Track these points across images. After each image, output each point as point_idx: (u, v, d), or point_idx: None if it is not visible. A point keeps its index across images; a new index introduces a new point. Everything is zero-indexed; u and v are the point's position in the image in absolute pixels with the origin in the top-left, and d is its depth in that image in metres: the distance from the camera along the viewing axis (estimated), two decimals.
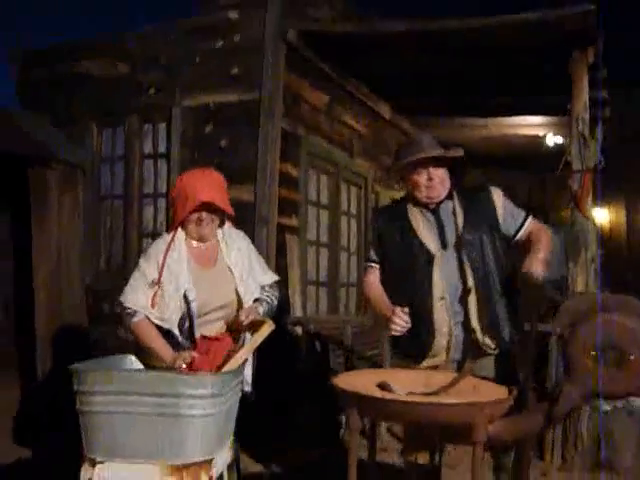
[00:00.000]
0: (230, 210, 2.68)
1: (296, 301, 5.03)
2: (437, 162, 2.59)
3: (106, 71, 5.56)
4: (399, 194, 2.94)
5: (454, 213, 2.62)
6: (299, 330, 4.88)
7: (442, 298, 2.54)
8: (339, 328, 5.19)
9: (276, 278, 2.92)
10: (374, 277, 2.73)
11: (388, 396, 1.98)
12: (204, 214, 2.62)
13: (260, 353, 2.72)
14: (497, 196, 2.67)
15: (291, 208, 5.24)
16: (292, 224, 5.24)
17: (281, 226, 5.03)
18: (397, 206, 2.76)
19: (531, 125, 7.01)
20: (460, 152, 2.61)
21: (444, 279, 2.55)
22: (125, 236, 5.53)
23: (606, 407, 4.29)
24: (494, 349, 2.56)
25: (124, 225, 5.54)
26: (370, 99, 6.43)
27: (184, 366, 2.43)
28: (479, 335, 2.53)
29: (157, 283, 2.58)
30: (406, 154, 2.60)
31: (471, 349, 2.54)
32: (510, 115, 6.76)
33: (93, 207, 5.61)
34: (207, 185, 2.60)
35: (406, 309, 2.44)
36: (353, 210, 6.47)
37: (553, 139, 7.05)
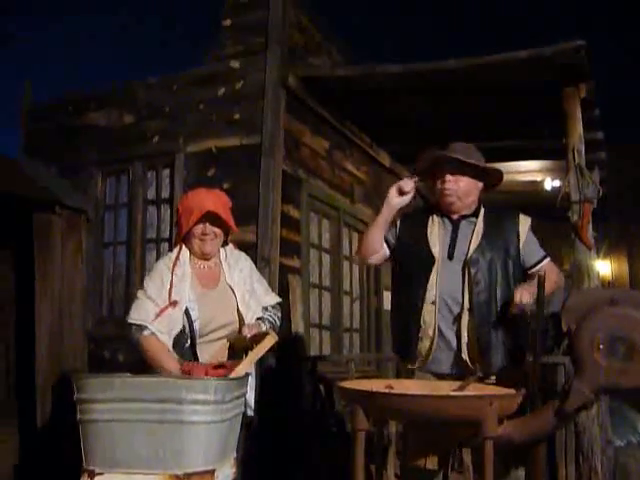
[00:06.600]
0: (234, 226, 2.71)
1: (298, 341, 4.97)
2: (460, 170, 2.56)
3: (112, 121, 5.70)
4: None
5: (473, 232, 2.60)
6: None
7: (433, 303, 2.52)
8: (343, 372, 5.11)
9: (278, 299, 2.92)
10: None
11: (395, 391, 1.94)
12: (208, 227, 2.65)
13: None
14: (524, 225, 2.64)
15: (293, 249, 5.25)
16: (294, 265, 5.24)
17: (283, 267, 5.03)
18: (423, 213, 2.74)
19: (529, 171, 7.09)
20: (480, 162, 2.60)
21: (440, 286, 2.52)
22: (128, 282, 5.53)
23: (619, 442, 4.20)
24: (481, 373, 2.47)
25: (126, 271, 5.55)
26: (370, 147, 6.55)
27: None
28: (464, 356, 2.49)
29: (169, 303, 2.58)
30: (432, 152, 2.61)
31: (456, 367, 2.51)
32: (508, 160, 6.83)
33: (96, 254, 5.64)
34: (212, 199, 2.66)
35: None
36: (355, 255, 6.47)
37: (551, 183, 7.12)
